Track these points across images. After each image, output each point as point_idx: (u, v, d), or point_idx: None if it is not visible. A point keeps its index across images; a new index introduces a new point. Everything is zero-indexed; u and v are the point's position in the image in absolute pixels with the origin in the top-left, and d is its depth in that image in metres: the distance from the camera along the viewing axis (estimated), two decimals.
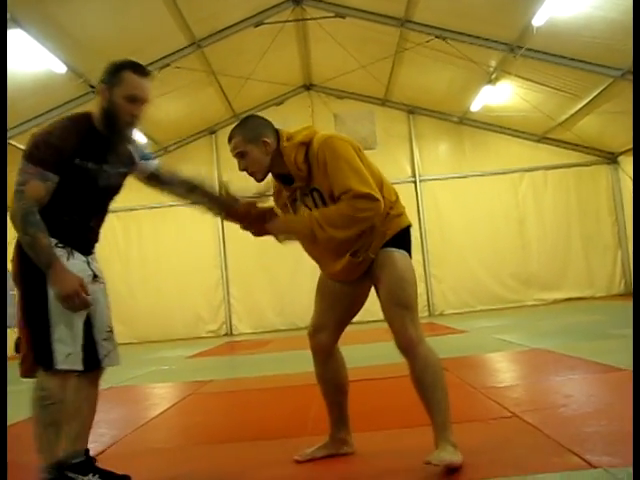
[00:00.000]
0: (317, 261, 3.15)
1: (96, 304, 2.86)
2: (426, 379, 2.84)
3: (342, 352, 3.27)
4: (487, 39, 11.84)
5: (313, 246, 3.02)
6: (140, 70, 2.86)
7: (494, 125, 15.94)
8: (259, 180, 3.02)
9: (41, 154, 2.71)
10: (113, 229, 15.16)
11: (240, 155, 2.96)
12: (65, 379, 2.72)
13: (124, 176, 3.04)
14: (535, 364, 6.11)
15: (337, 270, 3.05)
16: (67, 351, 2.69)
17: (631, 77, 10.96)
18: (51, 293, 2.69)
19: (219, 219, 15.33)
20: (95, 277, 2.90)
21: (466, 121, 16.16)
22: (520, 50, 11.50)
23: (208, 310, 16.09)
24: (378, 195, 2.80)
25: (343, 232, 2.81)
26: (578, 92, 12.71)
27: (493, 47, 11.99)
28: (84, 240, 2.91)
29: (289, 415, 4.58)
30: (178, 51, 12.08)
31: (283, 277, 15.40)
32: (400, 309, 2.88)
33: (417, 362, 2.85)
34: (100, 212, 3.00)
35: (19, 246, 2.76)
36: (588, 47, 10.78)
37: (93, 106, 2.94)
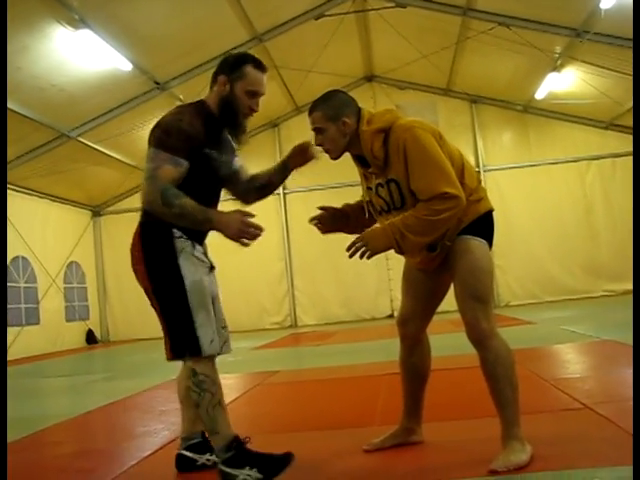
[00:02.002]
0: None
1: (215, 293, 2.94)
2: (496, 373, 2.78)
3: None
4: (552, 24, 11.61)
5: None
6: (261, 66, 2.92)
7: (559, 113, 15.63)
8: (334, 158, 2.98)
9: (172, 141, 2.73)
10: None
11: (318, 130, 2.92)
12: (213, 362, 2.83)
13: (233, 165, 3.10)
14: (606, 356, 5.98)
15: (417, 260, 3.01)
16: (210, 337, 2.79)
17: None
18: (187, 282, 2.76)
19: (283, 213, 15.55)
20: (212, 268, 2.97)
21: (530, 109, 15.89)
22: (587, 35, 11.24)
23: (272, 302, 16.25)
24: (456, 190, 2.70)
25: (427, 237, 2.74)
26: None
27: (558, 33, 11.75)
28: (203, 232, 2.96)
29: (357, 405, 4.59)
30: (240, 45, 12.20)
31: (347, 268, 15.40)
32: (473, 301, 2.79)
33: (488, 355, 2.79)
34: (217, 201, 3.08)
35: (144, 242, 2.86)
36: None
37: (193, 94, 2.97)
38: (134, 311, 16.49)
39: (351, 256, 2.81)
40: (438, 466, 2.86)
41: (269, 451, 2.78)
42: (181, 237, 2.81)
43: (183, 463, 3.11)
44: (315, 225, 3.17)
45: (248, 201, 3.25)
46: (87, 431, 4.64)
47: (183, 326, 2.77)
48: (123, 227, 16.72)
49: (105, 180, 15.66)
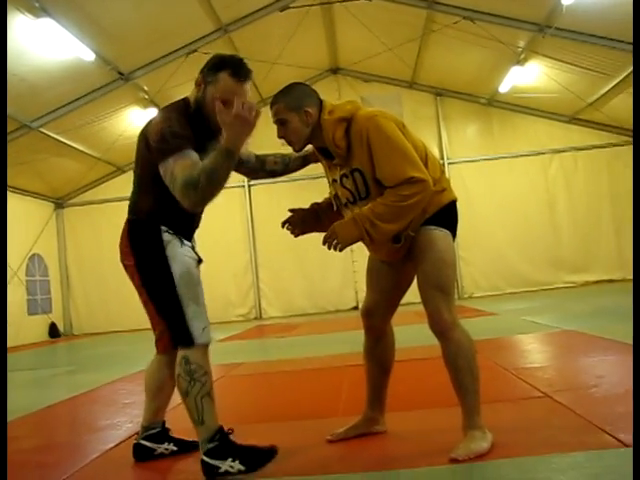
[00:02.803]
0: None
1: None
2: (458, 363, 2.81)
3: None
4: (515, 19, 11.72)
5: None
6: (239, 74, 2.80)
7: (523, 106, 15.80)
8: (297, 150, 3.00)
9: (172, 144, 2.69)
10: None
11: (280, 122, 2.90)
12: (206, 351, 2.84)
13: None
14: (566, 345, 6.08)
15: (381, 252, 3.02)
16: (202, 326, 2.83)
17: None
18: (176, 274, 2.80)
19: (248, 205, 15.51)
20: (199, 261, 2.99)
21: (494, 103, 16.04)
22: (549, 30, 11.37)
23: (237, 294, 16.22)
24: (422, 174, 2.71)
25: (398, 224, 2.74)
26: (609, 71, 12.53)
27: (521, 27, 11.87)
28: (191, 228, 3.01)
29: (321, 396, 4.61)
30: (205, 37, 12.14)
31: (312, 261, 15.44)
32: (436, 291, 2.82)
33: (450, 345, 2.82)
34: None
35: (133, 239, 2.89)
36: (618, 25, 10.61)
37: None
38: (98, 304, 16.35)
39: (329, 249, 2.81)
40: (400, 455, 2.89)
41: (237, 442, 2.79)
42: (167, 231, 2.83)
43: (141, 452, 3.12)
44: (287, 229, 3.18)
45: (255, 178, 3.37)
46: (49, 425, 4.59)
47: (174, 317, 2.81)
48: (86, 219, 16.61)
49: (68, 172, 15.45)
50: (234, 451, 2.73)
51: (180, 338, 2.82)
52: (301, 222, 3.17)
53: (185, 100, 2.92)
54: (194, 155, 2.69)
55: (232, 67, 2.80)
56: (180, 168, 2.64)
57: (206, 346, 2.84)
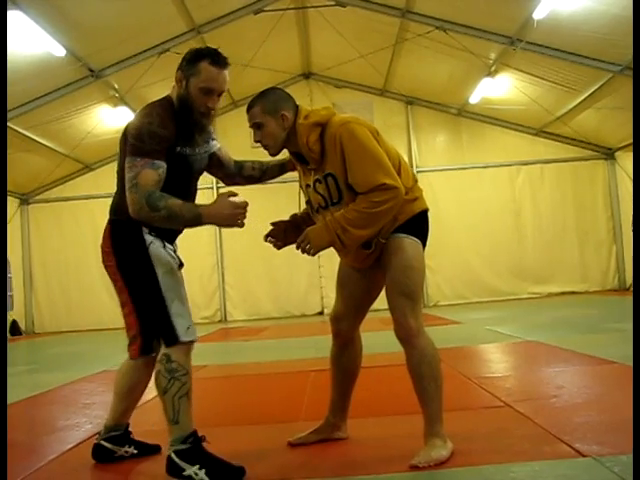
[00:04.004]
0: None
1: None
2: (421, 370, 2.83)
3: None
4: (487, 31, 11.82)
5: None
6: (218, 61, 2.82)
7: (492, 118, 15.94)
8: (273, 154, 3.00)
9: (147, 145, 2.69)
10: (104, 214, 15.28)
11: (256, 126, 2.90)
12: (189, 350, 2.83)
13: (208, 156, 3.09)
14: (528, 356, 6.15)
15: (350, 258, 3.03)
16: (186, 324, 2.81)
17: (630, 73, 10.97)
18: (159, 274, 2.79)
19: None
20: (180, 265, 2.98)
21: (464, 113, 16.17)
22: (520, 43, 11.50)
23: (202, 296, 16.10)
24: (394, 181, 2.72)
25: (369, 230, 2.76)
26: (577, 87, 12.72)
27: (493, 39, 11.97)
28: (173, 231, 2.97)
29: (283, 400, 4.61)
30: (178, 36, 12.04)
31: (279, 264, 15.38)
32: (403, 298, 2.83)
33: (414, 353, 2.83)
34: (194, 194, 3.07)
35: (115, 240, 2.87)
36: (588, 42, 10.78)
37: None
38: (61, 303, 16.13)
39: (302, 254, 2.84)
40: (361, 461, 2.90)
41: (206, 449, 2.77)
42: (150, 233, 2.83)
43: (101, 454, 3.08)
44: (269, 242, 3.17)
45: (232, 184, 3.33)
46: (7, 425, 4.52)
47: (158, 316, 2.80)
48: (52, 217, 16.38)
49: (34, 168, 15.22)
50: (203, 459, 2.71)
51: (164, 336, 2.80)
52: (283, 234, 3.16)
53: (167, 98, 2.91)
54: (161, 169, 2.71)
55: (210, 56, 2.82)
56: (145, 178, 2.66)
57: (189, 345, 2.83)
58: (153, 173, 2.68)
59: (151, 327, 2.88)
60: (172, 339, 2.78)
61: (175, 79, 2.88)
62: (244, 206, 2.68)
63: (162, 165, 2.72)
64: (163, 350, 2.79)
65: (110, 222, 2.94)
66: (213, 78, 2.80)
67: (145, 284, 2.82)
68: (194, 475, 2.67)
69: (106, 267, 2.95)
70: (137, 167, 2.68)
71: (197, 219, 2.69)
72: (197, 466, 2.68)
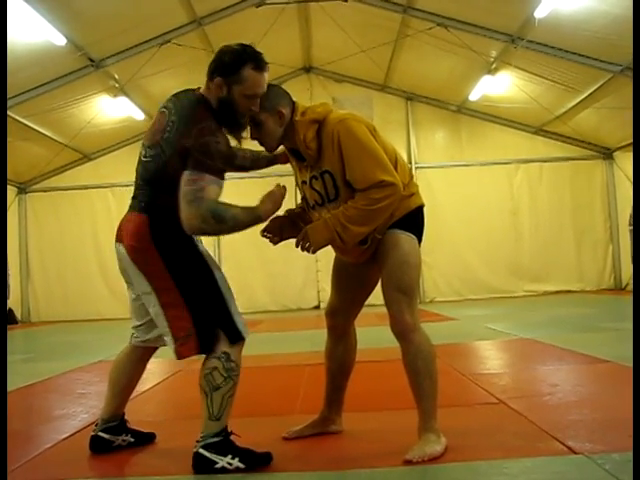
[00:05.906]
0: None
1: None
2: (417, 366, 2.84)
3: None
4: (489, 29, 11.81)
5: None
6: (260, 66, 2.79)
7: (492, 115, 15.93)
8: (270, 151, 3.02)
9: (215, 164, 2.67)
10: (108, 205, 15.32)
11: (254, 123, 2.90)
12: (241, 350, 2.88)
13: None
14: (523, 353, 6.18)
15: (346, 253, 3.04)
16: (243, 322, 2.88)
17: (630, 73, 10.98)
18: (215, 272, 2.84)
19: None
20: None
21: (464, 110, 16.15)
22: (521, 41, 11.50)
23: None
24: (392, 178, 2.73)
25: (368, 226, 2.78)
26: (577, 86, 12.72)
27: (494, 37, 11.96)
28: None
29: (279, 393, 4.63)
30: (179, 28, 12.01)
31: (275, 258, 15.34)
32: (399, 293, 2.84)
33: (410, 348, 2.85)
34: None
35: (158, 239, 2.76)
36: (589, 41, 10.78)
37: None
38: (57, 292, 16.11)
39: (302, 251, 2.87)
40: (355, 455, 2.92)
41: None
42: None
43: (98, 444, 3.09)
44: (265, 237, 3.17)
45: None
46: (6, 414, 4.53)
47: (219, 315, 2.82)
48: (50, 206, 16.36)
49: (33, 157, 15.19)
50: (234, 450, 2.75)
51: (228, 334, 2.81)
52: (279, 229, 3.16)
53: (204, 99, 2.84)
54: (222, 187, 2.73)
55: (252, 61, 2.78)
56: (212, 193, 2.66)
57: (243, 344, 2.88)
58: (218, 190, 2.69)
59: (208, 326, 2.81)
60: (236, 336, 2.82)
61: (212, 83, 2.81)
62: (284, 191, 2.80)
63: (222, 184, 2.73)
64: (223, 348, 2.79)
65: (147, 217, 2.80)
66: (258, 84, 2.78)
67: (203, 284, 2.82)
68: (227, 465, 2.69)
69: (135, 262, 2.80)
70: (203, 182, 2.63)
71: (257, 220, 2.76)
72: (230, 456, 2.71)
